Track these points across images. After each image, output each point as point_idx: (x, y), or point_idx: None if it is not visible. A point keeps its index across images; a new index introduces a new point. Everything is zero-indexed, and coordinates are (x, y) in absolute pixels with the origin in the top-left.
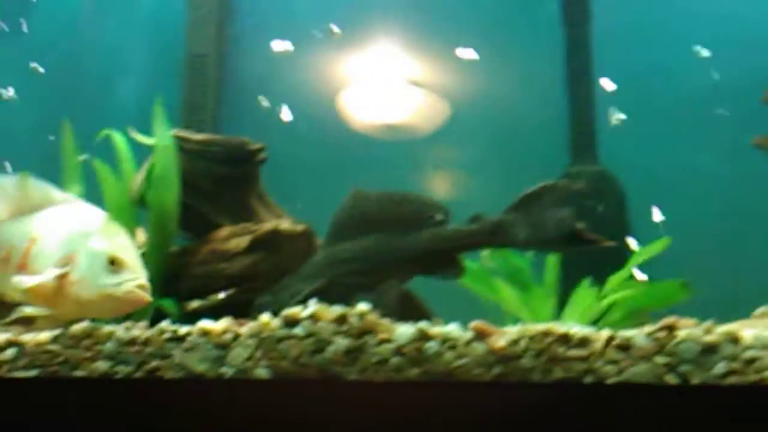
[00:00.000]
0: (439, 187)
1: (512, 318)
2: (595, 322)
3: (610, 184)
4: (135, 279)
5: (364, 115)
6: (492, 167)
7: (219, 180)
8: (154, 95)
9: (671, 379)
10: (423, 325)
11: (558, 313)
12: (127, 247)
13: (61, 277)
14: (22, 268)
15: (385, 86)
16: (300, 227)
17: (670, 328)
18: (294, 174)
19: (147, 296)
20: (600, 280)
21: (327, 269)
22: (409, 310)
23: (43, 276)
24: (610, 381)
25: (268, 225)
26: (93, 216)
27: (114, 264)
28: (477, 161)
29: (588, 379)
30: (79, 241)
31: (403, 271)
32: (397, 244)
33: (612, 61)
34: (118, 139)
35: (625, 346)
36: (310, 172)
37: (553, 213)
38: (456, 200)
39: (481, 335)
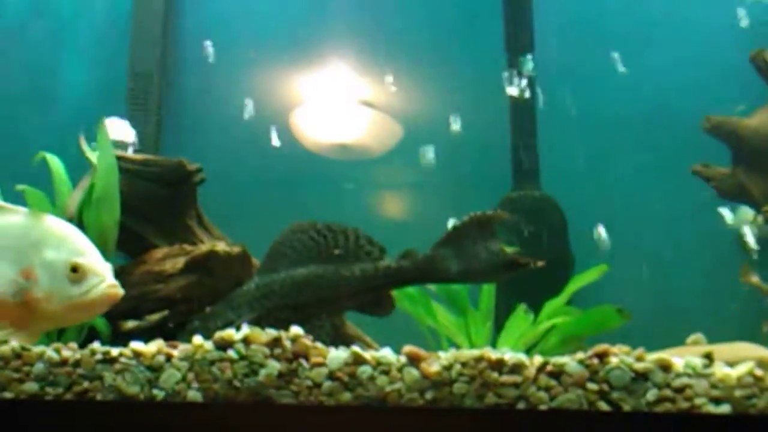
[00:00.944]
0: (389, 208)
1: (450, 343)
2: (532, 348)
3: (551, 208)
4: (101, 281)
5: (316, 135)
6: (439, 189)
7: (156, 200)
8: (96, 113)
9: (602, 406)
10: (356, 349)
11: (495, 338)
12: (84, 247)
13: (24, 295)
14: None
15: (337, 106)
16: (236, 250)
17: (602, 355)
18: (240, 193)
19: (119, 291)
20: (540, 304)
21: (259, 301)
22: (342, 335)
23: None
24: (542, 407)
25: (204, 247)
26: (39, 222)
27: (76, 272)
28: (425, 183)
29: (520, 406)
30: (31, 253)
31: (335, 307)
32: (330, 280)
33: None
34: (54, 162)
35: (558, 373)
36: (257, 191)
37: (483, 245)
38: (405, 222)
39: (414, 360)
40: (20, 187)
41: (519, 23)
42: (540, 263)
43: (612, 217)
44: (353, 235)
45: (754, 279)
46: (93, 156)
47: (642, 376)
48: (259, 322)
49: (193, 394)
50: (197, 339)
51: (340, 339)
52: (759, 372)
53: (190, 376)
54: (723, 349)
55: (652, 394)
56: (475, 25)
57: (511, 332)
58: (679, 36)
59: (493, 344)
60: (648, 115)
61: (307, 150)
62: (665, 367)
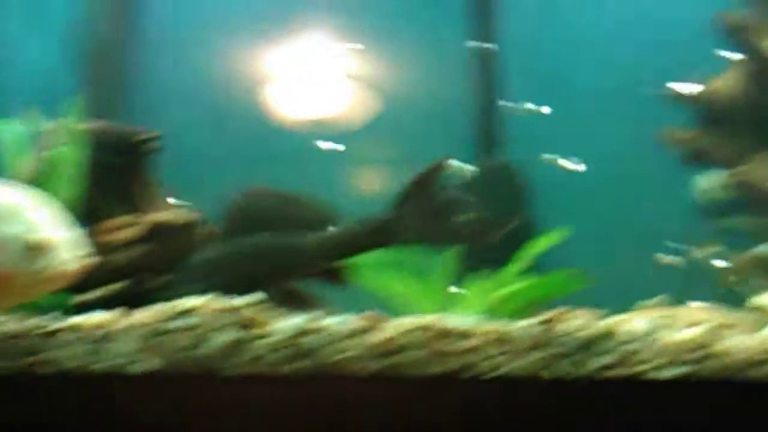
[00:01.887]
0: (360, 181)
1: (408, 310)
2: (492, 314)
3: (512, 174)
4: (63, 256)
5: (288, 109)
6: (401, 161)
7: (107, 169)
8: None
9: (554, 372)
10: (307, 317)
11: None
12: (41, 218)
13: None
14: None
15: (310, 80)
16: (188, 218)
17: (552, 321)
18: (212, 167)
19: (81, 264)
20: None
21: (216, 270)
22: (299, 304)
23: None
24: (492, 375)
25: (155, 216)
26: None
27: (36, 248)
28: (390, 157)
29: (469, 373)
30: None
31: (291, 275)
32: (285, 248)
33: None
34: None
35: (507, 340)
36: (229, 165)
37: (438, 205)
38: (374, 196)
39: (364, 328)
40: None
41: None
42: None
43: (577, 182)
44: (307, 202)
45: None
46: (53, 124)
47: (593, 342)
48: (215, 291)
49: (142, 366)
50: (144, 310)
51: (297, 307)
52: (707, 336)
53: (135, 347)
54: (681, 312)
55: (600, 360)
56: None
57: (471, 298)
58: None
59: (451, 311)
60: (612, 79)
61: (281, 124)
62: (614, 332)
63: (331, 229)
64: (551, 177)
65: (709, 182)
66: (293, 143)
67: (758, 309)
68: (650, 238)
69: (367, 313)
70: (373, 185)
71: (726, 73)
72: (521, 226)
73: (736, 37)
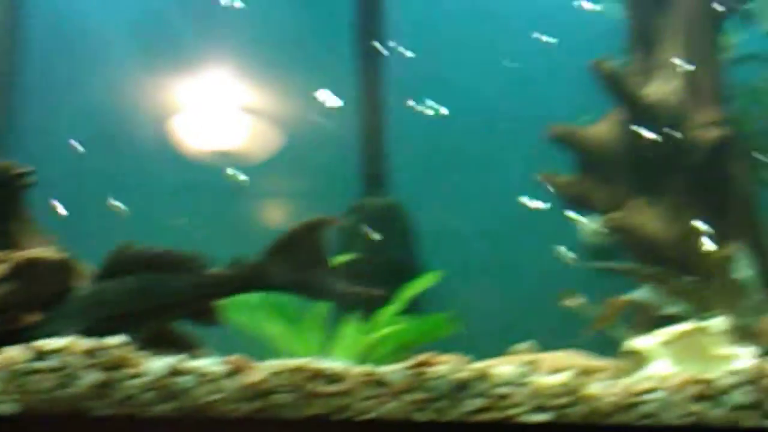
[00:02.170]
0: (254, 212)
1: (283, 352)
2: (365, 357)
3: (397, 215)
4: None
5: (194, 140)
6: (294, 197)
7: None
8: None
9: (425, 415)
10: (177, 359)
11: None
12: None
13: None
14: None
15: (215, 113)
16: (60, 256)
17: (426, 364)
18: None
19: None
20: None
21: (91, 308)
22: (173, 344)
23: None
24: (364, 417)
25: (26, 253)
26: None
27: None
28: (280, 190)
29: (342, 416)
30: None
31: (165, 315)
32: (160, 288)
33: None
34: None
35: (381, 382)
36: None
37: (316, 255)
38: (264, 228)
39: (236, 369)
40: None
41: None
42: (377, 293)
43: (460, 223)
44: (180, 252)
45: (576, 302)
46: None
47: (464, 385)
48: (89, 331)
49: (7, 407)
50: (12, 349)
51: (170, 347)
52: (577, 380)
53: (4, 388)
54: (547, 358)
55: (473, 403)
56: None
57: (344, 341)
58: (529, 44)
59: (325, 354)
60: (498, 121)
61: (186, 155)
62: (487, 376)
63: (205, 271)
64: (437, 217)
65: (593, 226)
66: (189, 174)
67: (631, 353)
68: (534, 280)
69: (234, 356)
70: (270, 217)
71: (603, 120)
72: (405, 266)
73: (611, 84)
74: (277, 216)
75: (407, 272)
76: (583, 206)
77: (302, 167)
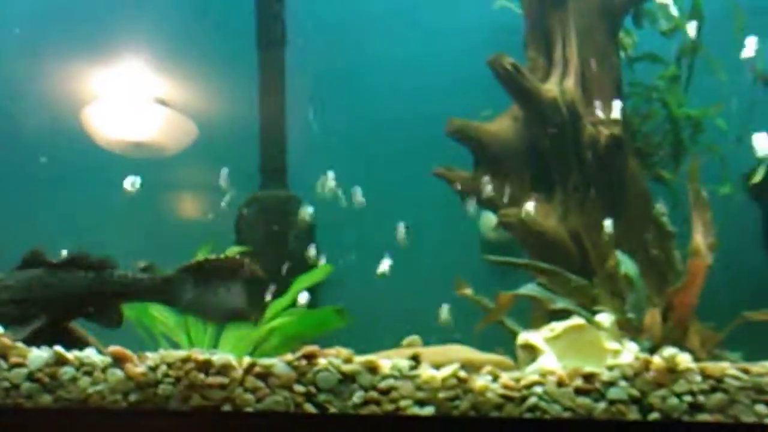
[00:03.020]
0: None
1: (171, 343)
2: (255, 350)
3: (295, 208)
4: None
5: (108, 132)
6: (193, 189)
7: None
8: None
9: (309, 408)
10: (58, 349)
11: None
12: None
13: None
14: None
15: (130, 104)
16: None
17: (311, 357)
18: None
19: None
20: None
21: None
22: (67, 337)
23: None
24: (248, 409)
25: None
26: None
27: None
28: (179, 181)
29: (226, 407)
30: None
31: (63, 308)
32: (62, 281)
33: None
34: None
35: (265, 375)
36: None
37: (224, 287)
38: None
39: (119, 360)
40: None
41: (271, 19)
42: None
43: (361, 218)
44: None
45: (467, 291)
46: None
47: (349, 378)
48: None
49: None
50: None
51: (65, 341)
52: (463, 374)
53: None
54: (433, 352)
55: (358, 396)
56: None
57: (233, 333)
58: (428, 39)
59: (216, 346)
60: (399, 117)
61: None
62: (372, 369)
63: (112, 272)
64: (333, 210)
65: (484, 222)
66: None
67: (523, 347)
68: (434, 274)
69: (116, 347)
70: (170, 209)
71: (500, 116)
72: (300, 260)
73: (507, 80)
74: (178, 208)
75: (305, 265)
76: (481, 202)
77: (205, 160)
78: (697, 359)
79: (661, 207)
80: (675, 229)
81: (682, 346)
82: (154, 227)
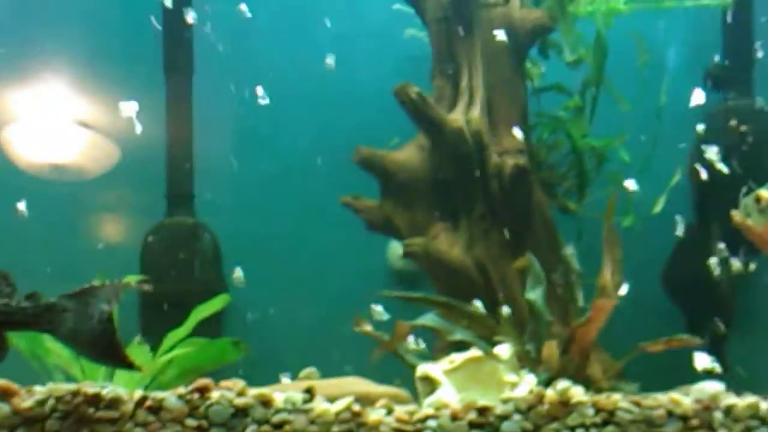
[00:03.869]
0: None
1: (66, 376)
2: (151, 382)
3: (201, 236)
4: None
5: (27, 154)
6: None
7: None
8: None
9: None
10: None
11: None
12: None
13: None
14: None
15: (50, 125)
16: None
17: (203, 390)
18: None
19: None
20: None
21: None
22: None
23: None
24: None
25: None
26: None
27: None
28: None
29: None
30: None
31: None
32: None
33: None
34: None
35: (157, 408)
36: None
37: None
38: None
39: (5, 395)
40: None
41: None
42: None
43: (268, 244)
44: None
45: (367, 328)
46: None
47: (242, 412)
48: None
49: None
50: None
51: None
52: (357, 407)
53: None
54: (329, 384)
55: (251, 430)
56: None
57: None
58: (338, 69)
59: (111, 378)
60: (310, 143)
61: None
62: (266, 402)
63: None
64: (241, 237)
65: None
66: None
67: (423, 378)
68: (338, 303)
69: (2, 381)
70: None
71: (407, 144)
72: (209, 287)
73: (413, 110)
74: (87, 232)
75: (211, 293)
76: (387, 231)
77: (114, 183)
78: (598, 389)
79: (570, 249)
80: (580, 269)
81: (583, 377)
82: (59, 253)
